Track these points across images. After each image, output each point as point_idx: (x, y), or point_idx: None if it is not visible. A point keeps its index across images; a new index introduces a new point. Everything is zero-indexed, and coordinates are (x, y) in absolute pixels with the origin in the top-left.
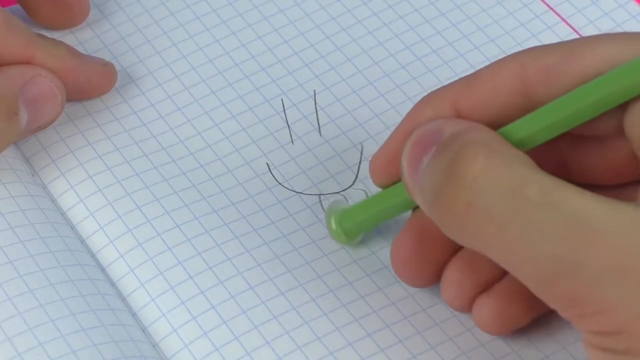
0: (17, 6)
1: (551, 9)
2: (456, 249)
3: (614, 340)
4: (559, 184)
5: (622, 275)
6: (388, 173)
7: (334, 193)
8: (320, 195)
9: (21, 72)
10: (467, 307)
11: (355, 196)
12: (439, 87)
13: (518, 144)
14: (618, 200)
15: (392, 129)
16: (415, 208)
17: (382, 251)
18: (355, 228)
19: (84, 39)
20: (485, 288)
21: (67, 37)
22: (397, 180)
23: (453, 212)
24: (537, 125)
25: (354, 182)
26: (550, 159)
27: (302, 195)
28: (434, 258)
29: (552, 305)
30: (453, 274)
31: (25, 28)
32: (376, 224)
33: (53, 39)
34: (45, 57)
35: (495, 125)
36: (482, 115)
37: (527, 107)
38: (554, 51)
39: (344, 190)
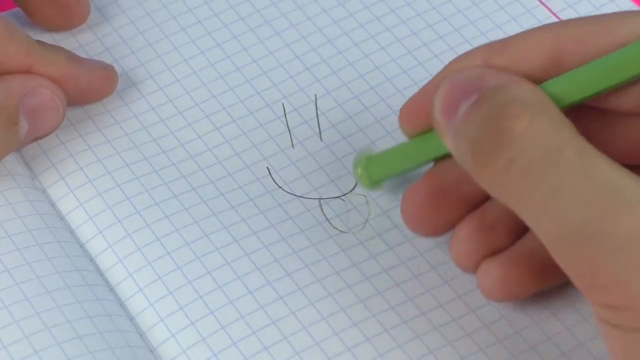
0: (17, 9)
1: (554, 14)
2: (471, 207)
3: (624, 317)
4: (595, 152)
5: None
6: (417, 121)
7: (334, 198)
8: (320, 199)
9: (22, 82)
10: (473, 267)
11: (356, 201)
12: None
13: (556, 101)
14: None
15: (393, 134)
16: (439, 159)
17: (381, 255)
18: (381, 172)
19: (85, 42)
20: (494, 252)
21: (68, 40)
22: (426, 129)
23: (492, 167)
24: (575, 83)
25: (354, 187)
26: None
27: (302, 199)
28: (447, 213)
29: (567, 270)
30: (465, 231)
31: (25, 36)
32: (401, 170)
33: (53, 46)
34: (45, 65)
35: None
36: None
37: (558, 74)
38: (587, 24)
39: (344, 195)
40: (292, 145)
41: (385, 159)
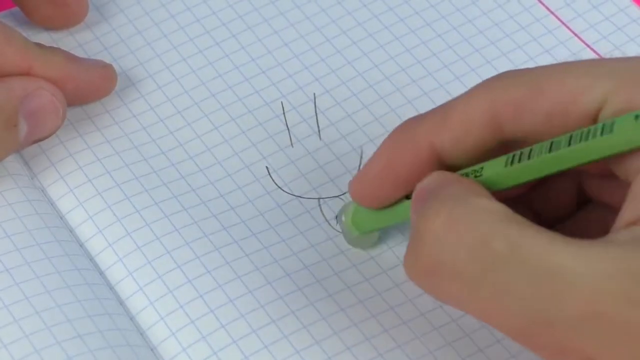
0: (15, 9)
1: (552, 13)
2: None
3: None
4: (527, 234)
5: (600, 322)
6: (373, 197)
7: (333, 197)
8: (319, 199)
9: (23, 84)
10: None
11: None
12: (417, 114)
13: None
14: (589, 242)
15: None
16: None
17: (381, 256)
18: (366, 224)
19: (83, 41)
20: None
21: (67, 39)
22: (388, 201)
23: (418, 272)
24: (520, 177)
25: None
26: None
27: (301, 199)
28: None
29: (539, 355)
30: None
31: (22, 38)
32: (384, 226)
33: (50, 47)
34: (44, 67)
35: (473, 159)
36: (458, 149)
37: (501, 139)
38: (521, 84)
39: (343, 194)
40: (291, 144)
41: (371, 212)
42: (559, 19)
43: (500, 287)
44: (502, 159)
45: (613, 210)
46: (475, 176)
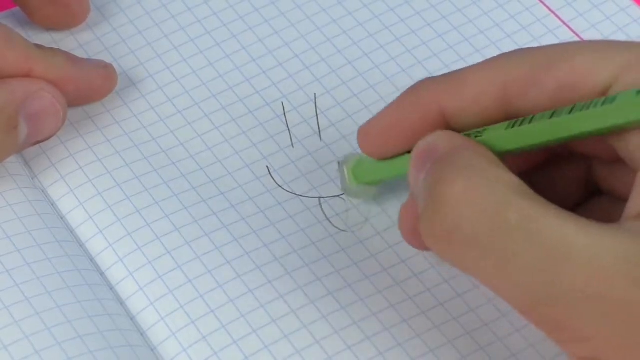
0: (16, 9)
1: (552, 12)
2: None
3: None
4: (539, 209)
5: (599, 303)
6: (377, 147)
7: (333, 197)
8: (320, 198)
9: (24, 86)
10: (422, 245)
11: (356, 200)
12: (431, 76)
13: (502, 153)
14: (600, 224)
15: None
16: None
17: (381, 254)
18: (365, 174)
19: (84, 41)
20: None
21: (68, 40)
22: (391, 153)
23: (436, 236)
24: (519, 142)
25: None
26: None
27: (302, 197)
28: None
29: (537, 327)
30: (410, 209)
31: (22, 40)
32: (388, 176)
33: (51, 48)
34: (44, 68)
35: (478, 126)
36: (466, 116)
37: (509, 113)
38: (532, 61)
39: (343, 194)
40: (292, 144)
41: (372, 163)
42: (559, 18)
43: (508, 255)
44: (504, 124)
45: (621, 201)
46: (476, 136)
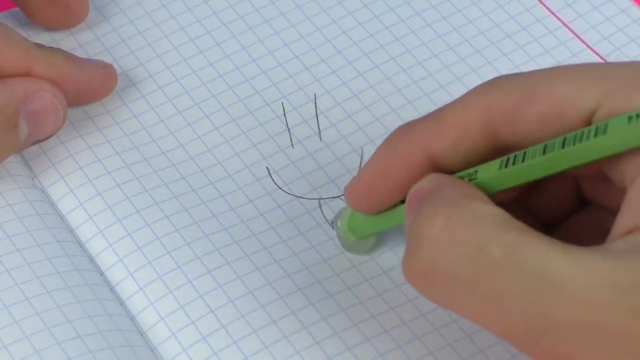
0: (16, 9)
1: (552, 13)
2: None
3: None
4: (524, 240)
5: (595, 331)
6: (367, 204)
7: (334, 197)
8: (320, 199)
9: (24, 86)
10: None
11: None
12: (411, 120)
13: (490, 189)
14: (587, 250)
15: None
16: None
17: (381, 257)
18: (362, 229)
19: (84, 42)
20: None
21: (68, 40)
22: (382, 206)
23: (414, 274)
24: (514, 180)
25: None
26: None
27: (301, 199)
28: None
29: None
30: None
31: (22, 39)
32: (380, 230)
33: (51, 48)
34: (44, 68)
35: (469, 164)
36: (453, 155)
37: (497, 145)
38: (514, 89)
39: (343, 194)
40: (292, 145)
41: (368, 217)
42: (559, 19)
43: (496, 292)
44: (496, 162)
45: (611, 213)
46: (470, 179)
